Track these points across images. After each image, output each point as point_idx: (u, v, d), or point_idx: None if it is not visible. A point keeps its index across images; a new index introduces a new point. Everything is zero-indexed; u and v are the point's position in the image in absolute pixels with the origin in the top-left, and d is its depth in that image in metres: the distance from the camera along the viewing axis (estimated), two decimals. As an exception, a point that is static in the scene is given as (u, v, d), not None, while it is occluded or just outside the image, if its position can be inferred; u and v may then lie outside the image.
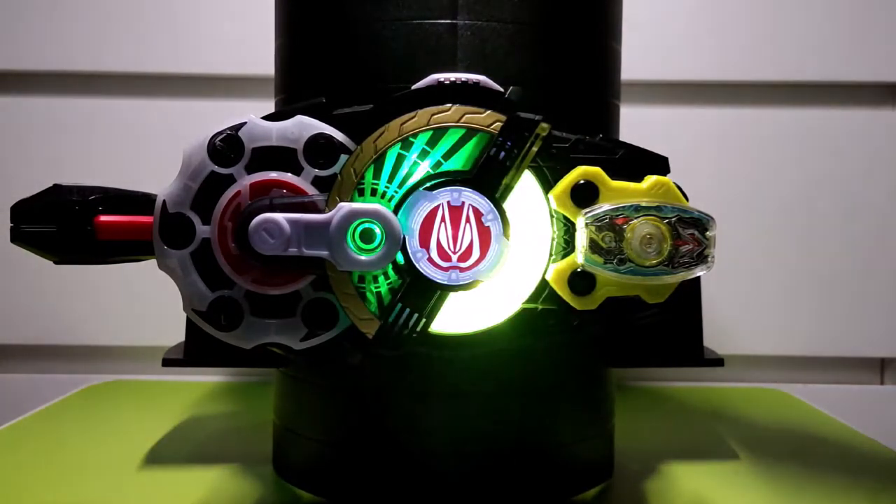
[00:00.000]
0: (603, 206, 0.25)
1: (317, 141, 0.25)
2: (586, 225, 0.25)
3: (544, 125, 0.24)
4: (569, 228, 0.25)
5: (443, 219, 0.24)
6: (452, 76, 0.25)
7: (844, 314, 0.52)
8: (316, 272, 0.25)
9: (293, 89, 0.30)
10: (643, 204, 0.25)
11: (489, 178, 0.24)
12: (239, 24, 0.50)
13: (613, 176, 0.25)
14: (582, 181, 0.25)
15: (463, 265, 0.24)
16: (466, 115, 0.25)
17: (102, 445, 0.36)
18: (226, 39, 0.50)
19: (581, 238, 0.25)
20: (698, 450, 0.37)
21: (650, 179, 0.25)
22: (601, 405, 0.32)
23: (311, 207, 0.24)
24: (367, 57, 0.28)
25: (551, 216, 0.25)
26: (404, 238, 0.24)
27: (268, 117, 0.25)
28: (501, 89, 0.25)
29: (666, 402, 0.47)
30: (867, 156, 0.52)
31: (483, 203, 0.24)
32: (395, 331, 0.24)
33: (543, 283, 0.25)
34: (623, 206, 0.25)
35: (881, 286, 0.52)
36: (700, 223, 0.25)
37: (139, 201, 0.25)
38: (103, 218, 0.25)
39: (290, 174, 0.25)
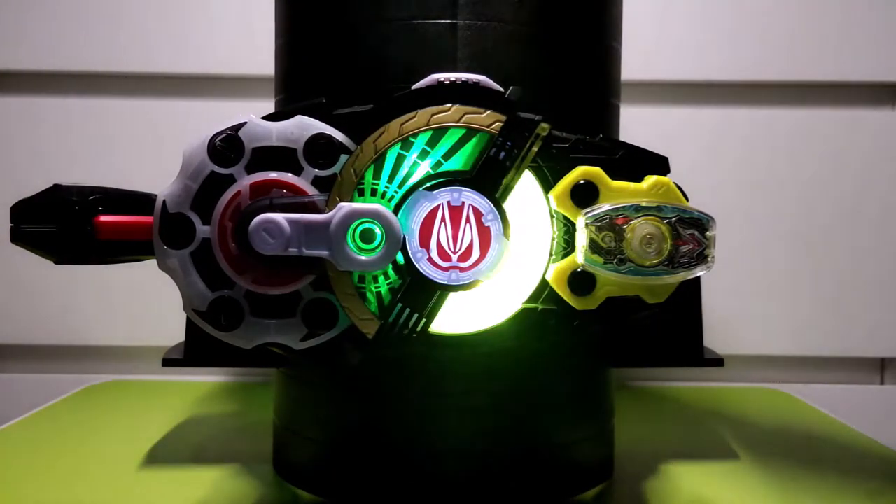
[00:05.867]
0: (603, 206, 0.25)
1: (317, 141, 0.25)
2: (586, 225, 0.25)
3: (544, 125, 0.24)
4: (569, 228, 0.25)
5: (443, 219, 0.24)
6: (452, 76, 0.25)
7: (844, 314, 0.52)
8: (316, 272, 0.25)
9: (293, 89, 0.30)
10: (643, 204, 0.25)
11: (489, 178, 0.24)
12: (239, 24, 0.50)
13: (613, 176, 0.25)
14: (582, 181, 0.25)
15: (463, 265, 0.24)
16: (466, 115, 0.25)
17: (102, 445, 0.36)
18: (226, 39, 0.50)
19: (581, 238, 0.25)
20: (698, 450, 0.37)
21: (650, 179, 0.25)
22: (601, 405, 0.32)
23: (311, 207, 0.24)
24: (367, 57, 0.28)
25: (551, 216, 0.25)
26: (404, 238, 0.24)
27: (268, 117, 0.25)
28: (501, 89, 0.25)
29: (666, 402, 0.47)
30: (867, 156, 0.52)
31: (483, 203, 0.24)
32: (395, 331, 0.24)
33: (543, 283, 0.25)
34: (623, 206, 0.25)
35: (881, 286, 0.52)
36: (700, 223, 0.25)
37: (139, 201, 0.25)
38: (103, 218, 0.25)
39: (290, 174, 0.25)
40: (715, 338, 0.50)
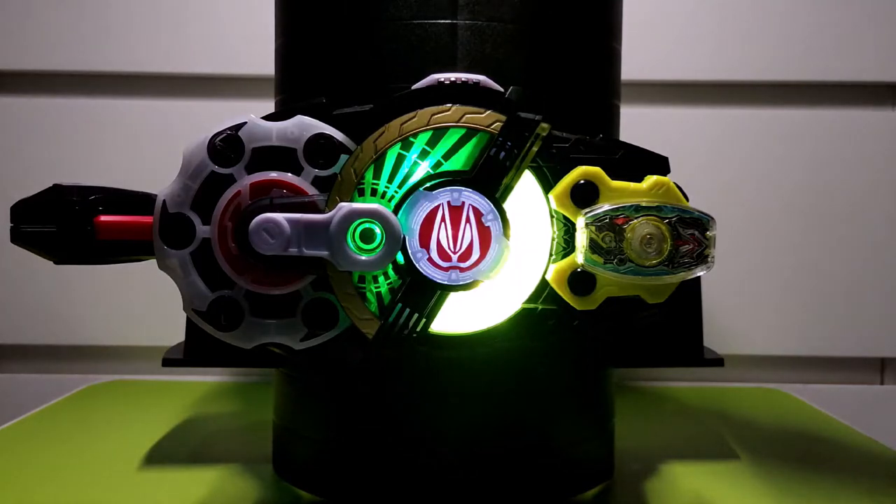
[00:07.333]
0: (603, 206, 0.25)
1: (317, 141, 0.25)
2: (586, 225, 0.25)
3: (544, 125, 0.24)
4: (569, 228, 0.25)
5: (443, 219, 0.24)
6: (452, 76, 0.25)
7: (844, 314, 0.52)
8: (316, 272, 0.25)
9: (293, 89, 0.30)
10: (643, 204, 0.25)
11: (489, 178, 0.24)
12: (239, 24, 0.50)
13: (613, 176, 0.25)
14: (582, 181, 0.25)
15: (463, 265, 0.24)
16: (466, 115, 0.25)
17: (102, 445, 0.36)
18: (226, 39, 0.50)
19: (581, 238, 0.25)
20: (698, 450, 0.37)
21: (650, 179, 0.25)
22: (601, 405, 0.32)
23: (311, 207, 0.24)
24: (367, 57, 0.28)
25: (551, 216, 0.25)
26: (404, 238, 0.24)
27: (268, 117, 0.25)
28: (501, 89, 0.25)
29: (666, 402, 0.47)
30: (867, 156, 0.52)
31: (483, 203, 0.24)
32: (395, 331, 0.24)
33: (543, 283, 0.25)
34: (623, 206, 0.25)
35: (881, 286, 0.52)
36: (700, 223, 0.25)
37: (139, 201, 0.25)
38: (103, 218, 0.25)
39: (290, 174, 0.25)
40: (715, 338, 0.50)
